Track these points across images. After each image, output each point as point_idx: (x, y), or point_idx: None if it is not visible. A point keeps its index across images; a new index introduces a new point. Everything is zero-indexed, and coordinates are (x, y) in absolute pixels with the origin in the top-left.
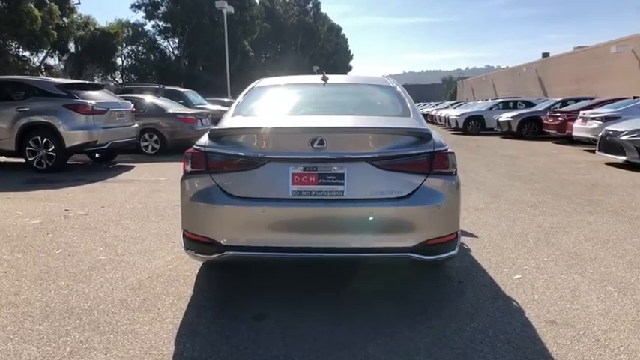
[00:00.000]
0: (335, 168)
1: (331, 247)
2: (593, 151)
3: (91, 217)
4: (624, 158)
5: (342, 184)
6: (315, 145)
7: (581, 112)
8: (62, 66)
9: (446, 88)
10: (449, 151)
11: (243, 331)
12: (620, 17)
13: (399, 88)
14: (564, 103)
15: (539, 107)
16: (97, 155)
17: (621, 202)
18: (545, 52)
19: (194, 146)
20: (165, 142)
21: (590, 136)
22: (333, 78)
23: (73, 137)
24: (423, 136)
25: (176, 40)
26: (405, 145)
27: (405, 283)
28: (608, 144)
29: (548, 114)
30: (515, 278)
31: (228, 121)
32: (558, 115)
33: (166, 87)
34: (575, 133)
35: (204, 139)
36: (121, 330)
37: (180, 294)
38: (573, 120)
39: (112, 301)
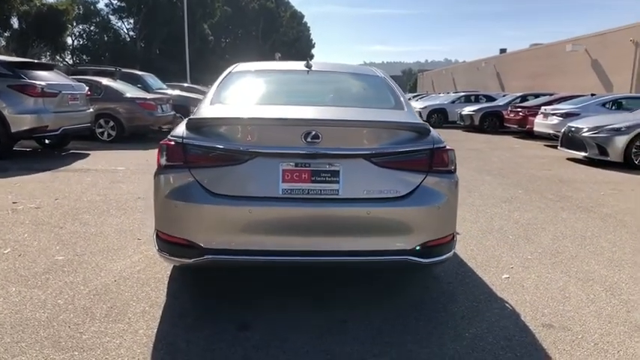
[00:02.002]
0: (330, 164)
1: (324, 251)
2: (554, 146)
3: (43, 211)
4: (585, 154)
5: (337, 182)
6: (309, 139)
7: (542, 107)
8: (3, 42)
9: (406, 80)
10: (448, 147)
11: (229, 344)
12: (573, 16)
13: (388, 79)
14: (524, 98)
15: (500, 102)
16: (47, 142)
17: (589, 198)
18: (502, 47)
19: (170, 137)
20: (123, 129)
21: (551, 131)
22: (316, 65)
23: (20, 121)
24: (422, 132)
25: (131, 21)
26: (403, 141)
27: (394, 284)
28: (570, 140)
29: (509, 109)
30: (504, 278)
31: (208, 110)
32: (519, 110)
33: (123, 70)
34: (536, 128)
35: (180, 129)
36: (86, 345)
37: (153, 300)
38: (534, 115)
39: (74, 310)
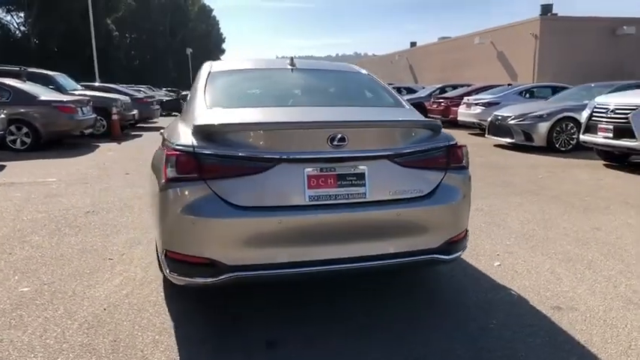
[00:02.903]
0: (355, 167)
1: (355, 257)
2: (478, 135)
3: None
4: (512, 140)
5: (364, 184)
6: (335, 142)
7: (464, 98)
8: None
9: None
10: (460, 143)
11: None
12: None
13: (373, 76)
14: (443, 90)
15: (422, 93)
16: None
17: (531, 182)
18: (408, 41)
19: (176, 146)
20: (39, 136)
21: (474, 120)
22: (298, 63)
23: None
24: (437, 129)
25: (22, 15)
26: (422, 140)
27: (400, 285)
28: (498, 127)
29: (432, 100)
30: (496, 265)
31: (212, 115)
32: (442, 101)
33: (29, 69)
34: (460, 118)
35: (186, 138)
36: None
37: (159, 327)
38: (456, 106)
39: (72, 349)
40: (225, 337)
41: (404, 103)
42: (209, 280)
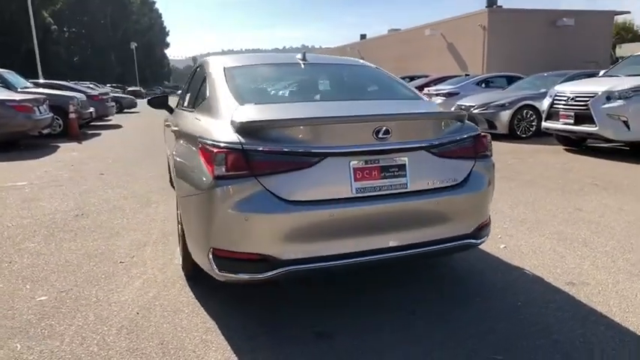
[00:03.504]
0: (396, 159)
1: (398, 246)
2: None
3: None
4: None
5: (405, 175)
6: (380, 135)
7: (425, 89)
8: None
9: None
10: (484, 132)
11: (322, 354)
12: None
13: (381, 69)
14: None
15: None
16: None
17: (504, 168)
18: (353, 34)
19: (222, 144)
20: None
21: None
22: (309, 57)
23: None
24: (463, 120)
25: None
26: (453, 131)
27: (422, 274)
28: None
29: None
30: (502, 248)
31: (252, 111)
32: None
33: None
34: None
35: (228, 135)
36: None
37: (202, 327)
38: None
39: (121, 355)
40: (273, 331)
41: (421, 95)
42: (261, 275)
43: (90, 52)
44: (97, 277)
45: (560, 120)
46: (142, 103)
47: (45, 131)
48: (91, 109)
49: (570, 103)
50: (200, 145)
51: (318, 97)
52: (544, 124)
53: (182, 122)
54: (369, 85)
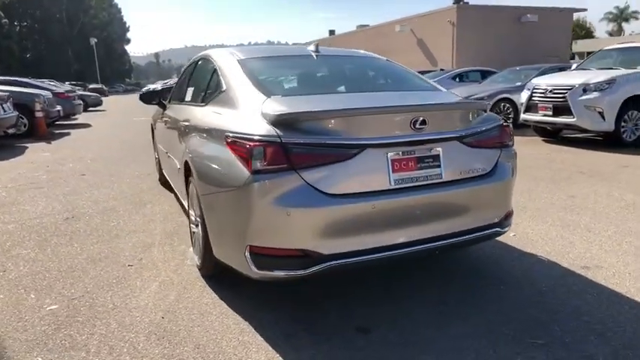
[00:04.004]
0: (431, 149)
1: (435, 237)
2: None
3: None
4: None
5: (439, 165)
6: (417, 126)
7: None
8: None
9: None
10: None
11: (364, 348)
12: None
13: (392, 61)
14: None
15: None
16: None
17: None
18: (318, 29)
19: (257, 137)
20: None
21: None
22: (321, 50)
23: None
24: (486, 110)
25: None
26: (480, 121)
27: (438, 267)
28: None
29: None
30: (512, 236)
31: (283, 104)
32: None
33: None
34: None
35: (262, 127)
36: None
37: (235, 328)
38: None
39: None
40: (310, 327)
41: (439, 86)
42: (301, 272)
43: (44, 48)
44: (108, 282)
45: (539, 112)
46: (106, 101)
47: (10, 131)
48: (58, 108)
49: (549, 95)
50: (230, 140)
51: (342, 88)
52: (523, 115)
53: (193, 117)
54: (387, 77)
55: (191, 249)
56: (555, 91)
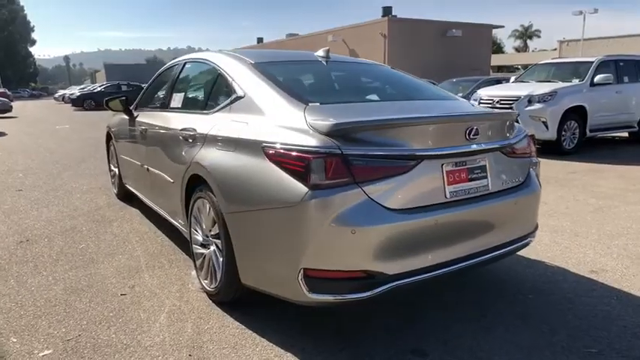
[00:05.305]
0: (479, 160)
1: (487, 249)
2: None
3: None
4: None
5: (486, 177)
6: (471, 135)
7: None
8: None
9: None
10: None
11: None
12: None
13: (396, 69)
14: None
15: None
16: None
17: None
18: (245, 37)
19: (315, 148)
20: None
21: None
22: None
23: None
24: (516, 121)
25: None
26: (513, 131)
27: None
28: None
29: None
30: None
31: (324, 113)
32: None
33: None
34: None
35: (319, 138)
36: None
37: (269, 352)
38: None
39: None
40: (346, 349)
41: (456, 95)
42: (364, 294)
43: None
44: (104, 315)
45: None
46: (15, 107)
47: None
48: None
49: (497, 106)
50: (273, 152)
51: (375, 97)
52: None
53: (198, 126)
54: (408, 85)
55: (194, 272)
56: (502, 102)
